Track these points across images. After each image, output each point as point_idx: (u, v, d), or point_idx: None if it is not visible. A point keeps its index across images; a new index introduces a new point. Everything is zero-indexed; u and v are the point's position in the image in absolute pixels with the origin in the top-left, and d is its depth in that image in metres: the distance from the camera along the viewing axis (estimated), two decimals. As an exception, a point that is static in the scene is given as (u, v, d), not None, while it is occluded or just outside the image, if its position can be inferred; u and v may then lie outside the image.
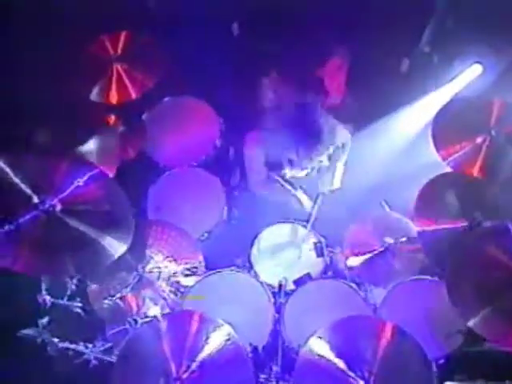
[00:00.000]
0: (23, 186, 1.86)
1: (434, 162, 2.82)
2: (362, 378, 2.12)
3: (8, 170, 1.82)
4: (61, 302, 2.70)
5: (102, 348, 2.72)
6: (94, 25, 3.07)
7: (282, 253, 2.99)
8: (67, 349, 2.67)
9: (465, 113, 2.79)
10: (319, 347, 2.23)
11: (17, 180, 1.84)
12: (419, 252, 2.60)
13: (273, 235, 3.05)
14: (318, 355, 2.22)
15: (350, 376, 2.16)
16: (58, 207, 1.95)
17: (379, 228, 2.85)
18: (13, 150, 1.84)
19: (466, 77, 3.17)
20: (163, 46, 3.21)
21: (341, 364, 2.18)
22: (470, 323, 1.90)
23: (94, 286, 2.86)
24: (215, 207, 3.18)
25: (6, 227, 1.73)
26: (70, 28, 2.91)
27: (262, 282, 2.68)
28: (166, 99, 3.46)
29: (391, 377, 2.07)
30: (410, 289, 2.58)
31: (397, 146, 3.22)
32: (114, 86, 3.16)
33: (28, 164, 1.89)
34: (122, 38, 3.19)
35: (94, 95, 3.11)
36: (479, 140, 2.71)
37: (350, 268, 2.82)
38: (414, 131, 3.23)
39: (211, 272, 2.74)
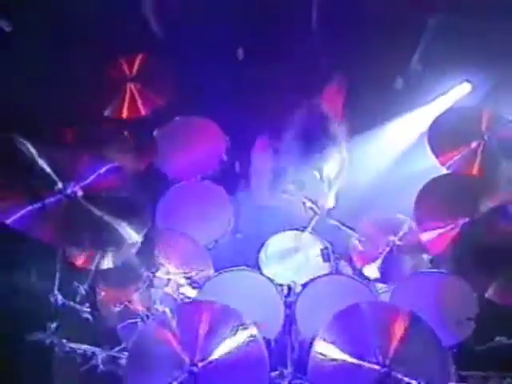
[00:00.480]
0: (51, 173, 2.02)
1: (424, 170, 2.98)
2: (377, 363, 2.12)
3: (39, 159, 1.96)
4: (71, 303, 2.71)
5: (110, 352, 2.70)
6: (112, 48, 3.31)
7: (290, 258, 3.05)
8: (75, 351, 2.64)
9: (458, 122, 2.99)
10: (324, 349, 2.20)
11: (46, 168, 1.96)
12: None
13: (280, 242, 3.13)
14: (326, 357, 2.19)
15: (363, 366, 2.15)
16: (80, 193, 2.05)
17: (381, 229, 2.95)
18: (42, 141, 1.98)
19: (456, 93, 3.41)
20: (174, 69, 3.45)
21: (350, 358, 2.16)
22: (487, 294, 1.97)
23: (103, 294, 2.89)
24: (222, 217, 3.25)
25: (36, 205, 1.84)
26: (92, 50, 3.16)
27: (272, 280, 2.72)
28: (177, 118, 3.64)
29: (408, 358, 2.07)
30: (419, 281, 2.64)
31: (391, 155, 3.41)
32: (126, 104, 3.35)
33: (55, 154, 2.02)
34: (138, 60, 3.44)
35: (108, 111, 3.30)
36: (474, 145, 2.89)
37: (368, 278, 2.88)
38: (407, 142, 3.43)
39: (223, 270, 2.78)
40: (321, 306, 2.52)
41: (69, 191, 2.02)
